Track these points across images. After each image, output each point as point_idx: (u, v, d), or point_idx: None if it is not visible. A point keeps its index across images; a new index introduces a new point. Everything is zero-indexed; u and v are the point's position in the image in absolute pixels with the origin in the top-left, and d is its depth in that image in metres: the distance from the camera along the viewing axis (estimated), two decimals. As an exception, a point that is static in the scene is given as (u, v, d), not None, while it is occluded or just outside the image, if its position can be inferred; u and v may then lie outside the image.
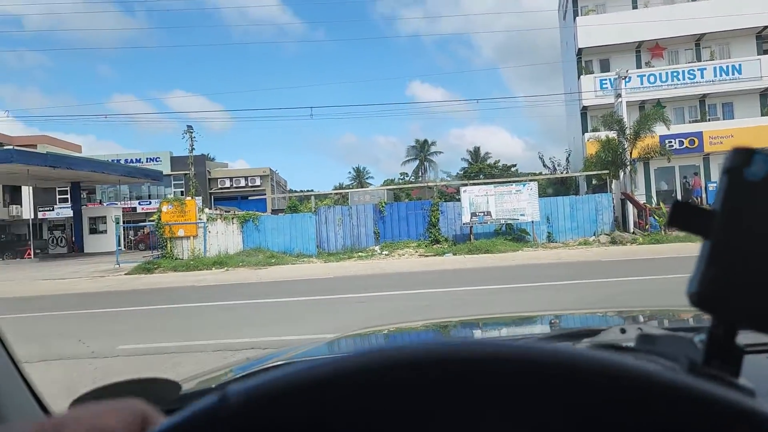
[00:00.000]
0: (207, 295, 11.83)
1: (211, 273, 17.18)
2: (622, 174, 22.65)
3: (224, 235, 21.21)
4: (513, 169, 51.60)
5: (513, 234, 20.61)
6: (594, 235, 20.81)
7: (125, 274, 18.10)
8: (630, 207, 21.73)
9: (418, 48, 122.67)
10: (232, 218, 21.56)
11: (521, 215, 20.08)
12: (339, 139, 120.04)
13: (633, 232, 20.78)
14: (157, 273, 18.01)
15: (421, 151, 60.69)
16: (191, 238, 20.62)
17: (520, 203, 20.00)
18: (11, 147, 26.96)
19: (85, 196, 44.31)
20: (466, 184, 21.67)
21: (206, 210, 21.57)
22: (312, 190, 33.32)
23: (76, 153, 44.22)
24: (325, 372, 0.43)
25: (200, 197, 40.19)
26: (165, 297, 11.89)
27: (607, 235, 20.33)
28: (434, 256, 18.99)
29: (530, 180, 21.94)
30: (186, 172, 42.42)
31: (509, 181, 22.20)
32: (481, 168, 49.48)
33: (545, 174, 33.12)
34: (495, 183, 21.86)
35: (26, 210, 43.54)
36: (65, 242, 35.10)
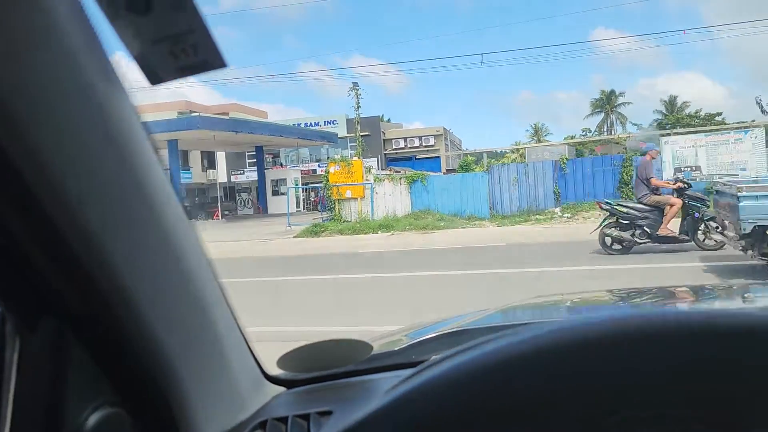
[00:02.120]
0: (364, 264, 10.78)
1: (377, 237, 16.28)
2: None
3: (392, 197, 20.25)
4: (718, 118, 44.57)
5: (729, 193, 16.94)
6: (844, 194, 16.38)
7: (293, 237, 17.93)
8: None
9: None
10: (400, 179, 20.49)
11: (741, 169, 16.32)
12: (516, 96, 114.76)
13: None
14: (323, 236, 17.57)
15: (607, 102, 55.24)
16: (359, 199, 19.97)
17: (741, 155, 16.25)
18: (197, 114, 28.55)
19: (270, 160, 46.71)
20: (668, 134, 18.25)
21: (372, 170, 20.74)
22: (488, 149, 31.36)
23: (262, 119, 46.63)
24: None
25: (374, 158, 40.20)
26: (320, 265, 11.05)
27: None
28: (627, 219, 16.21)
29: (754, 126, 17.80)
30: (361, 133, 42.72)
31: (725, 129, 18.28)
32: (678, 119, 43.35)
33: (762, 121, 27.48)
34: (706, 131, 18.10)
35: (221, 174, 47.04)
36: (251, 204, 37.19)
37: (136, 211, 0.58)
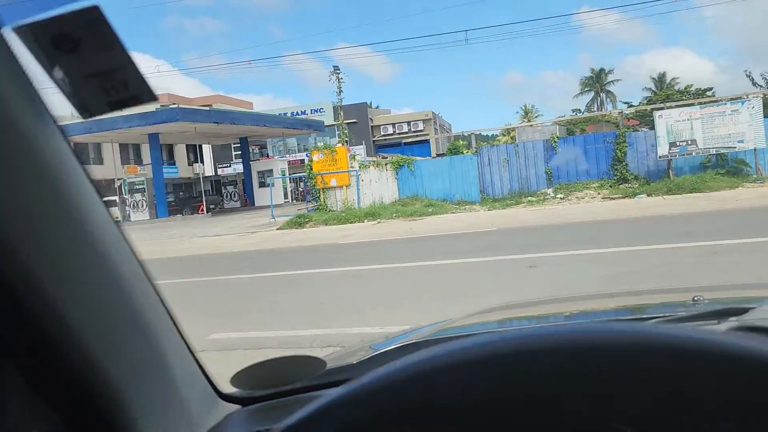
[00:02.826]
0: (344, 257, 10.09)
1: (362, 227, 15.60)
2: None
3: (378, 183, 19.55)
4: (709, 93, 43.97)
5: (726, 166, 16.30)
6: None
7: (277, 229, 17.23)
8: None
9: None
10: (386, 165, 19.77)
11: (739, 142, 15.69)
12: (504, 78, 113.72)
13: None
14: (307, 227, 16.88)
15: (597, 81, 54.71)
16: (344, 188, 19.26)
17: (738, 126, 15.60)
18: (176, 106, 27.61)
19: (257, 151, 45.88)
20: (662, 108, 17.58)
21: (357, 157, 20.00)
22: (479, 133, 30.30)
23: (248, 110, 45.63)
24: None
25: (362, 145, 39.37)
26: (296, 259, 10.37)
27: None
28: (622, 198, 15.61)
29: (752, 95, 17.11)
30: (348, 120, 41.77)
31: (721, 100, 17.60)
32: (668, 95, 42.76)
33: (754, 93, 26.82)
34: (701, 104, 17.42)
35: (208, 167, 46.12)
36: (238, 197, 36.41)
37: (67, 232, 0.58)
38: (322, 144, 21.25)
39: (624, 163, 17.45)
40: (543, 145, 18.67)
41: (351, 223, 16.62)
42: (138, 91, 0.56)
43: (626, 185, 16.94)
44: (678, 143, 16.09)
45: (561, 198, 17.00)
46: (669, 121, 16.15)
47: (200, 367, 0.88)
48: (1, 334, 0.53)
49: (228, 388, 0.92)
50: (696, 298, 1.29)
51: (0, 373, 0.55)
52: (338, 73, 19.70)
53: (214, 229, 18.57)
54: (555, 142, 18.52)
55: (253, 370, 0.88)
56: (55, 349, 0.55)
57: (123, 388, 0.63)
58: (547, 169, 18.46)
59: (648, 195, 15.22)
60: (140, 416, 0.65)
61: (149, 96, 0.56)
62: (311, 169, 19.42)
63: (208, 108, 30.55)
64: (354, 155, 19.84)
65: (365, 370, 1.04)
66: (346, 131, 21.78)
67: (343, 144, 19.76)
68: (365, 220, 16.65)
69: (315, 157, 19.42)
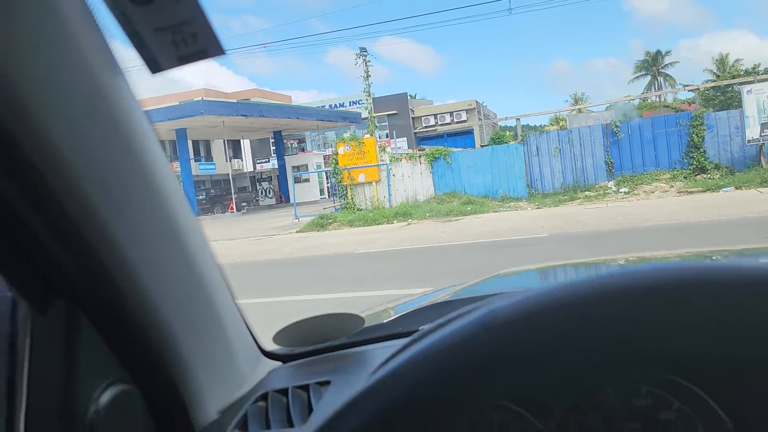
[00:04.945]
0: (346, 275, 7.94)
1: (389, 229, 13.43)
2: None
3: (411, 178, 17.31)
4: (780, 72, 39.97)
5: (833, 152, 13.35)
6: None
7: (297, 231, 15.26)
8: None
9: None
10: (420, 157, 17.50)
11: None
12: (551, 67, 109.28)
13: None
14: (330, 229, 14.84)
15: (653, 64, 50.95)
16: (373, 183, 17.12)
17: None
18: (200, 99, 26.00)
19: (296, 146, 44.34)
20: (751, 81, 14.67)
21: (387, 149, 17.80)
22: (526, 124, 27.68)
23: (284, 103, 44.02)
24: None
25: (404, 138, 37.13)
26: (291, 278, 8.28)
27: None
28: (702, 192, 12.91)
29: None
30: (388, 112, 39.60)
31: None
32: (734, 76, 39.02)
33: None
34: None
35: (247, 163, 44.80)
36: (273, 193, 34.83)
37: (140, 200, 0.61)
38: (348, 135, 19.10)
39: (702, 150, 14.65)
40: (602, 131, 16.02)
41: (378, 224, 14.49)
42: (207, 44, 0.53)
43: (705, 176, 14.19)
44: (773, 124, 13.22)
45: (625, 193, 14.39)
46: (761, 97, 13.30)
47: (247, 326, 0.89)
48: (79, 289, 0.56)
49: (271, 346, 0.93)
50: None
51: (75, 324, 0.57)
52: (365, 56, 17.61)
53: (234, 231, 16.76)
54: (617, 126, 15.83)
55: (295, 327, 0.90)
56: (127, 304, 0.58)
57: (183, 343, 0.66)
58: (608, 158, 15.82)
59: (736, 188, 12.48)
60: (196, 369, 0.69)
61: (217, 49, 0.54)
62: (336, 163, 17.34)
63: (235, 101, 28.90)
64: (384, 147, 17.66)
65: (400, 328, 1.01)
66: (375, 123, 19.57)
67: (372, 134, 17.58)
68: (394, 221, 14.49)
69: (341, 150, 17.34)
